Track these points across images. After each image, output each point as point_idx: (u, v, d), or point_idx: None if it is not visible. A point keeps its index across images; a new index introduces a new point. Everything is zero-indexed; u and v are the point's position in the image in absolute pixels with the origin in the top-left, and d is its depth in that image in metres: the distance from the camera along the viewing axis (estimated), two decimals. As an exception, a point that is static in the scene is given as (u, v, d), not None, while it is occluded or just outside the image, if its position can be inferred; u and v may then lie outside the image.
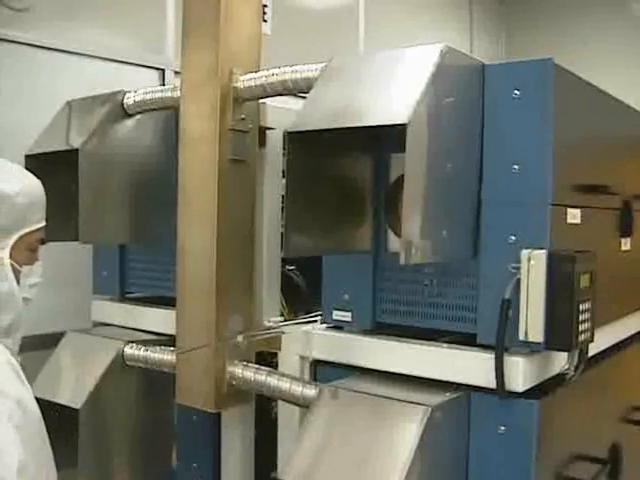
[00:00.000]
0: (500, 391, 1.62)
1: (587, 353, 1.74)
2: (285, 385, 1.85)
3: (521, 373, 1.62)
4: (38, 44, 2.72)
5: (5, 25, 2.61)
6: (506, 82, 1.65)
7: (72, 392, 2.15)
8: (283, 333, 2.06)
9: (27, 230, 1.47)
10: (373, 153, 1.83)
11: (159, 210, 2.28)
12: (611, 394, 2.16)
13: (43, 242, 1.55)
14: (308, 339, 1.96)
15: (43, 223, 1.52)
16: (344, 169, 1.79)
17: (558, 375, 1.74)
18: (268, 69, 1.93)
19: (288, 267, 2.33)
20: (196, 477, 2.31)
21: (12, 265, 1.45)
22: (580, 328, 1.61)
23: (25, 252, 1.48)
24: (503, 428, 1.64)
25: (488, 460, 1.67)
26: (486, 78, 1.68)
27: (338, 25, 4.24)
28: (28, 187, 1.48)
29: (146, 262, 2.47)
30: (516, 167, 1.64)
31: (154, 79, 3.16)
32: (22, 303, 1.49)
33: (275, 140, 2.13)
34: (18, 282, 1.47)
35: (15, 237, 1.45)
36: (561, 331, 1.58)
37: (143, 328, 2.39)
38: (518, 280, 1.59)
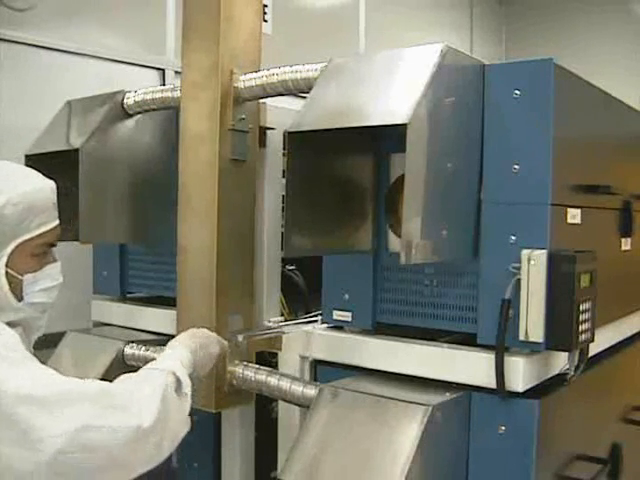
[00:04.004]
0: (500, 391, 1.62)
1: (587, 353, 1.74)
2: (285, 385, 1.85)
3: (521, 373, 1.62)
4: (38, 44, 2.73)
5: (5, 25, 2.61)
6: (506, 82, 1.65)
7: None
8: (283, 333, 2.06)
9: (23, 238, 1.44)
10: (373, 153, 1.83)
11: (159, 210, 2.28)
12: (611, 394, 2.16)
13: (53, 245, 1.53)
14: (308, 339, 1.96)
15: (45, 228, 1.48)
16: (344, 169, 1.79)
17: (558, 375, 1.74)
18: (268, 69, 1.93)
19: (288, 267, 2.33)
20: (196, 477, 2.31)
21: (8, 273, 1.44)
22: (580, 328, 1.61)
23: (28, 259, 1.47)
24: (503, 428, 1.64)
25: (488, 460, 1.67)
26: (486, 78, 1.68)
27: (338, 25, 4.24)
28: (19, 196, 1.43)
29: (146, 262, 2.47)
30: (516, 167, 1.64)
31: (154, 79, 3.16)
32: (30, 308, 1.49)
33: (275, 140, 2.13)
34: (21, 290, 1.46)
35: (11, 247, 1.43)
36: (561, 331, 1.59)
37: (143, 328, 2.39)
38: (518, 280, 1.59)
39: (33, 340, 1.57)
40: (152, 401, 1.36)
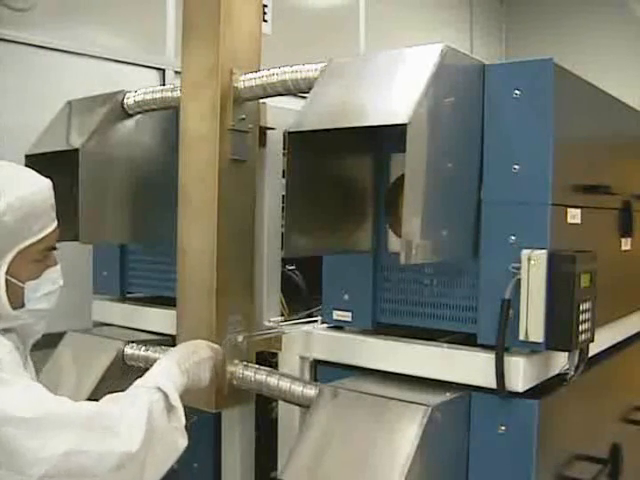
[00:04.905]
0: (500, 391, 1.62)
1: (587, 353, 1.74)
2: (285, 385, 1.85)
3: (521, 373, 1.62)
4: (38, 44, 2.73)
5: (5, 25, 2.61)
6: (506, 82, 1.65)
7: (72, 392, 2.14)
8: (283, 333, 2.06)
9: (25, 244, 1.40)
10: (373, 153, 1.83)
11: (159, 210, 2.28)
12: (611, 394, 2.16)
13: (54, 248, 1.48)
14: (308, 339, 1.96)
15: (46, 231, 1.44)
16: (344, 169, 1.79)
17: (558, 375, 1.74)
18: (268, 69, 1.93)
19: (288, 267, 2.33)
20: (196, 477, 2.31)
21: (9, 281, 1.40)
22: (580, 328, 1.61)
23: (30, 265, 1.43)
24: (503, 428, 1.64)
25: (488, 460, 1.67)
26: (486, 78, 1.68)
27: (338, 25, 4.24)
28: (18, 200, 1.38)
29: (146, 262, 2.47)
30: (516, 167, 1.64)
31: (154, 79, 3.16)
32: (29, 315, 1.46)
33: (275, 140, 2.13)
34: (22, 297, 1.43)
35: (10, 255, 1.39)
36: (561, 331, 1.59)
37: (143, 328, 2.39)
38: (518, 280, 1.59)
39: (30, 344, 1.55)
40: (139, 424, 1.35)
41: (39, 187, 1.45)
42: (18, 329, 1.48)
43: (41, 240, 1.43)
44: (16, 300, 1.43)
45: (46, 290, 1.47)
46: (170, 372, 1.54)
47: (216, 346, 1.77)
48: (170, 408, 1.45)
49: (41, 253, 1.45)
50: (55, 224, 1.48)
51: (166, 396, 1.44)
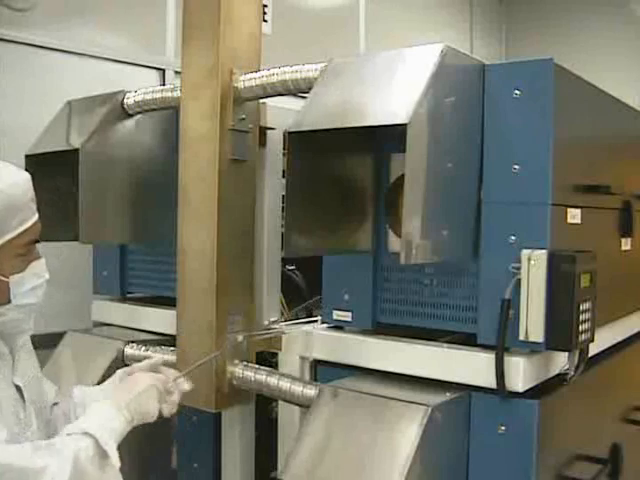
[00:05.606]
0: (500, 391, 1.62)
1: (587, 353, 1.74)
2: (285, 385, 1.85)
3: (521, 373, 1.62)
4: (38, 44, 2.73)
5: (5, 25, 2.61)
6: (506, 82, 1.65)
7: (72, 392, 2.15)
8: (283, 333, 2.06)
9: (5, 239, 1.38)
10: (373, 153, 1.83)
11: (159, 210, 2.28)
12: (611, 394, 2.16)
13: (37, 241, 1.46)
14: (308, 339, 1.96)
15: (26, 225, 1.41)
16: (344, 169, 1.79)
17: (558, 375, 1.74)
18: (268, 69, 1.93)
19: (288, 267, 2.33)
20: (196, 477, 2.31)
21: None
22: (580, 328, 1.61)
23: (13, 260, 1.41)
24: (503, 428, 1.64)
25: (488, 460, 1.67)
26: (486, 78, 1.68)
27: (338, 25, 4.24)
28: None
29: (146, 262, 2.47)
30: (516, 167, 1.64)
31: (154, 79, 3.16)
32: (16, 311, 1.43)
33: (275, 140, 2.13)
34: (7, 292, 1.41)
35: None
36: (561, 331, 1.59)
37: (143, 328, 2.39)
38: (518, 280, 1.59)
39: (19, 343, 1.52)
40: (62, 475, 1.28)
41: (15, 180, 1.41)
42: (4, 327, 1.45)
43: (22, 234, 1.41)
44: (1, 296, 1.41)
45: (32, 284, 1.44)
46: (103, 414, 1.42)
47: (158, 375, 1.59)
48: (102, 454, 1.35)
49: (23, 247, 1.42)
50: (36, 217, 1.45)
51: (96, 441, 1.36)
